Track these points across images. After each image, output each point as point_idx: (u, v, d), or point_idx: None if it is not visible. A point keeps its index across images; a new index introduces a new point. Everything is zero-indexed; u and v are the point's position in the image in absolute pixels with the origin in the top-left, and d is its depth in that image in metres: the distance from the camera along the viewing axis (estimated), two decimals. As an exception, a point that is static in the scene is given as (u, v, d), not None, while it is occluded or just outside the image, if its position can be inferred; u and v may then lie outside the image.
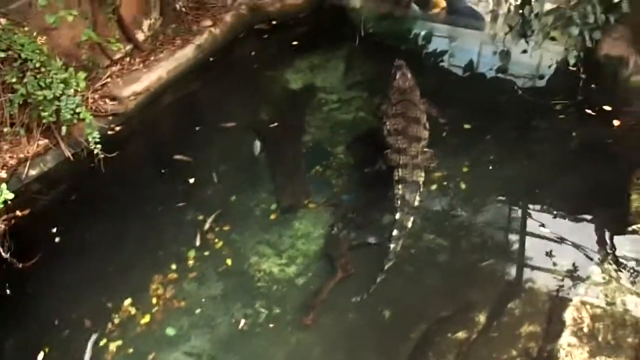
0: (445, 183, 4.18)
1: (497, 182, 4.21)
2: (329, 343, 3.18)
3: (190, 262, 3.68)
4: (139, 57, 5.32)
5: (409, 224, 3.62)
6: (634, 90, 4.82)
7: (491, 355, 2.94)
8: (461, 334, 3.08)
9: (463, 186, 4.15)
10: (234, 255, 3.70)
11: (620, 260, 3.42)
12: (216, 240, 3.82)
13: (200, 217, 3.99)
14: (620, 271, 3.33)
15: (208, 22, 5.88)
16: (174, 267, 3.63)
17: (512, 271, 3.57)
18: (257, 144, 4.65)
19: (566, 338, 2.81)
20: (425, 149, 4.11)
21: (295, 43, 6.07)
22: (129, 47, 5.29)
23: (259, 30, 6.30)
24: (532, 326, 3.01)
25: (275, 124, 4.93)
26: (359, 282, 3.42)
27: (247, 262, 3.66)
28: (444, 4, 6.60)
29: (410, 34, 6.52)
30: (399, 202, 3.70)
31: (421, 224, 3.82)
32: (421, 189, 3.85)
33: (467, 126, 4.69)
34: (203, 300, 3.44)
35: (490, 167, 4.34)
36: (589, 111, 4.74)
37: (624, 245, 3.55)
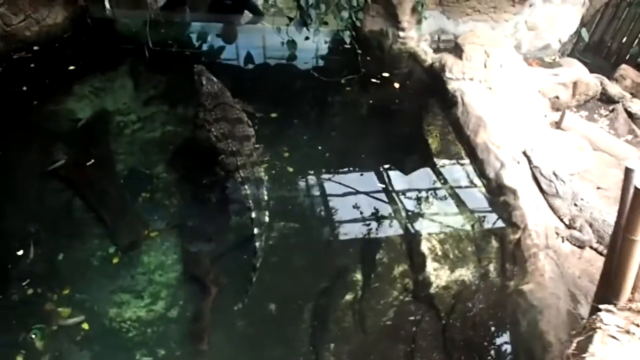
0: (273, 172, 4.31)
1: (315, 158, 4.53)
2: (233, 356, 3.07)
3: (39, 346, 2.99)
4: None
5: (266, 219, 3.67)
6: (397, 56, 5.80)
7: (380, 302, 3.25)
8: (348, 296, 3.33)
9: (290, 169, 4.37)
10: (88, 317, 3.15)
11: (436, 192, 4.14)
12: (59, 309, 3.17)
13: (30, 292, 3.27)
14: (443, 199, 4.04)
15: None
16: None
17: (364, 230, 3.89)
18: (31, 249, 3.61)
19: (430, 266, 3.30)
20: (256, 145, 4.20)
21: (72, 68, 5.32)
22: None
23: (21, 60, 5.33)
24: (401, 267, 3.43)
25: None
26: (234, 289, 3.34)
27: (106, 317, 3.17)
28: None
29: (190, 38, 6.39)
30: (250, 201, 3.71)
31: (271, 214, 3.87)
32: (265, 183, 3.91)
33: (274, 115, 4.91)
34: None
35: (305, 147, 4.63)
36: (374, 80, 5.47)
37: (432, 180, 4.28)
